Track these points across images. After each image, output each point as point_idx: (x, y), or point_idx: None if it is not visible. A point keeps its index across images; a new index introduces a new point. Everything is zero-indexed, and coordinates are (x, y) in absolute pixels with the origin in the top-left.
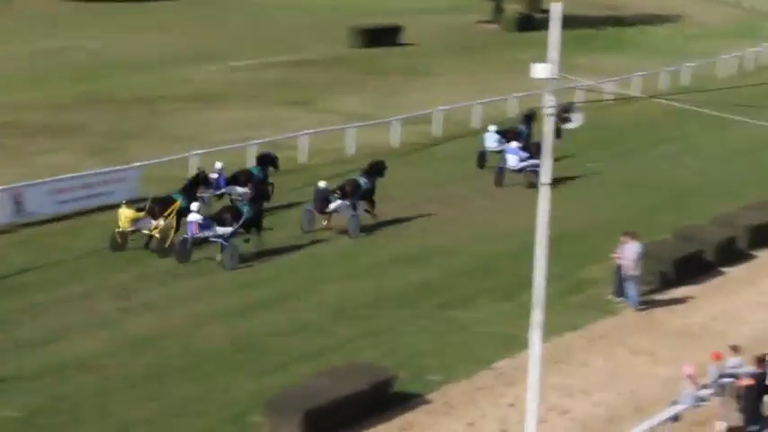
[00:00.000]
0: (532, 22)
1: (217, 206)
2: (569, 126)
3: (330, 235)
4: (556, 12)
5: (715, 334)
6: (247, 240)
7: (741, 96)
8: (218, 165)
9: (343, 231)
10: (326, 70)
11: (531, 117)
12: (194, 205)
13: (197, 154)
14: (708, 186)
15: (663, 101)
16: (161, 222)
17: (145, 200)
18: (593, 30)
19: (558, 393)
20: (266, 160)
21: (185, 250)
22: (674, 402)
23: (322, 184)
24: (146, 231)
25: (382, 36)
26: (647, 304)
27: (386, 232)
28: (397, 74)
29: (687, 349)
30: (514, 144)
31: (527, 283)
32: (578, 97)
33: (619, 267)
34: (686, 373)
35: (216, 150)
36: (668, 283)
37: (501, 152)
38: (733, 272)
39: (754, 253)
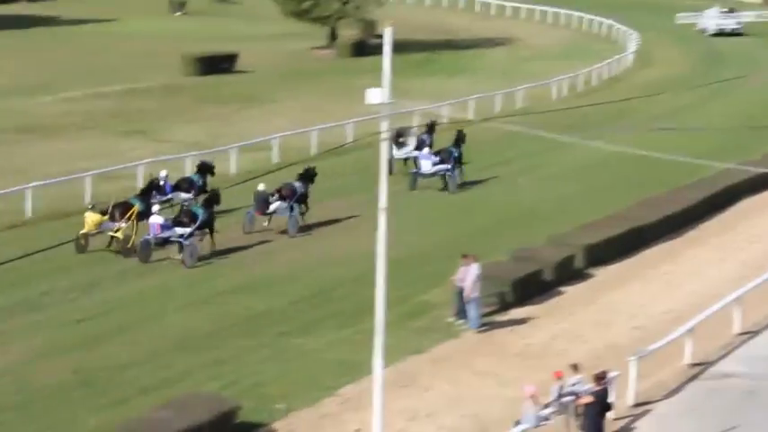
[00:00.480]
0: (367, 48)
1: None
2: (404, 150)
3: (171, 264)
4: (388, 36)
5: (555, 353)
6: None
7: (573, 117)
8: (163, 173)
9: (283, 231)
10: (163, 99)
11: (432, 127)
12: (155, 208)
13: (31, 187)
14: (544, 206)
15: (498, 124)
16: (122, 225)
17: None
18: (429, 54)
19: (403, 418)
20: (205, 168)
21: (147, 250)
22: (518, 422)
23: (261, 187)
24: (109, 233)
25: (218, 64)
26: (488, 326)
27: (227, 260)
28: (233, 101)
29: (529, 369)
30: (426, 150)
31: (369, 308)
32: (415, 121)
33: (460, 290)
34: (528, 392)
35: (52, 182)
36: (508, 303)
37: (414, 159)
38: (571, 291)
39: (592, 271)
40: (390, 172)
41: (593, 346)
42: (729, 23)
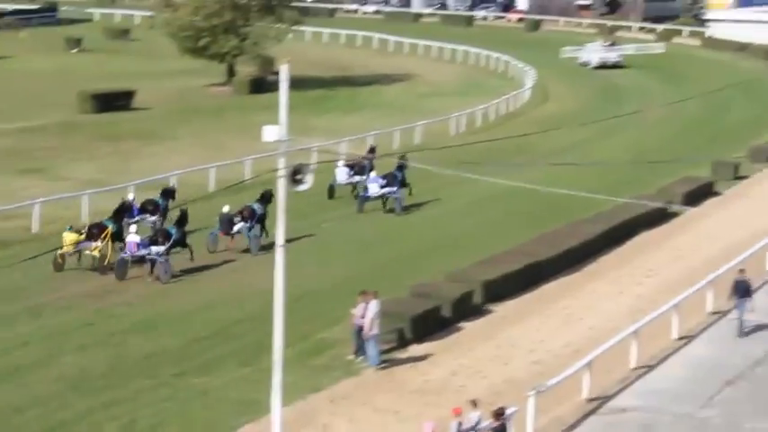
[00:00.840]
0: (265, 84)
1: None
2: (301, 188)
3: (69, 304)
4: (284, 74)
5: (455, 389)
6: None
7: (471, 152)
8: (131, 196)
9: (246, 251)
10: (59, 137)
11: (373, 150)
12: (133, 227)
13: None
14: (443, 242)
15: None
16: (99, 244)
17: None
18: (327, 91)
19: None
20: (168, 193)
21: (124, 268)
22: None
23: (226, 208)
24: (87, 252)
25: (114, 101)
26: (387, 363)
27: (123, 300)
28: (131, 139)
29: (428, 406)
30: (373, 174)
31: (269, 346)
32: (313, 158)
33: (359, 327)
34: (427, 429)
35: None
36: (407, 340)
37: (356, 183)
38: (470, 327)
39: (490, 307)
40: (331, 196)
41: (492, 381)
42: (611, 56)
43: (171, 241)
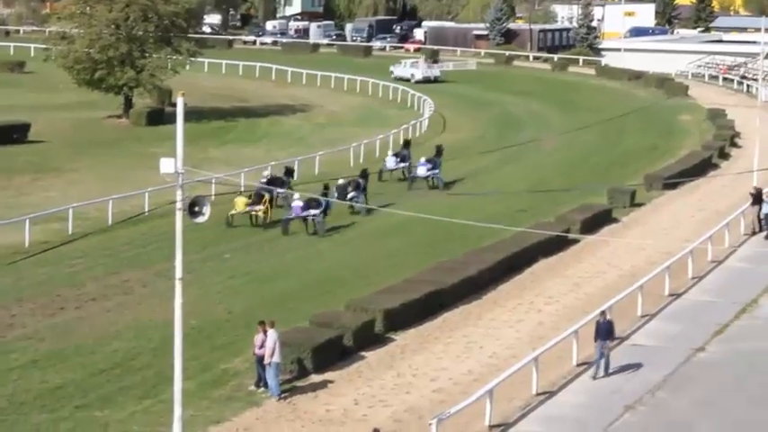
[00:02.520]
0: (163, 116)
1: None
2: (199, 220)
3: None
4: (180, 106)
5: (357, 418)
6: None
7: (370, 181)
8: (266, 172)
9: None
10: None
11: (408, 144)
12: (296, 195)
13: None
14: (343, 272)
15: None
16: (261, 207)
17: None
18: (226, 122)
19: None
20: (289, 171)
21: (287, 225)
22: None
23: (341, 181)
24: (254, 212)
25: (9, 134)
26: (289, 393)
27: (20, 334)
28: (27, 171)
29: None
30: (423, 159)
31: (171, 378)
32: (213, 190)
33: (259, 357)
34: None
35: None
36: (308, 370)
37: (403, 169)
38: (371, 356)
39: (392, 336)
40: (381, 179)
41: (394, 410)
42: (434, 72)
43: (323, 206)
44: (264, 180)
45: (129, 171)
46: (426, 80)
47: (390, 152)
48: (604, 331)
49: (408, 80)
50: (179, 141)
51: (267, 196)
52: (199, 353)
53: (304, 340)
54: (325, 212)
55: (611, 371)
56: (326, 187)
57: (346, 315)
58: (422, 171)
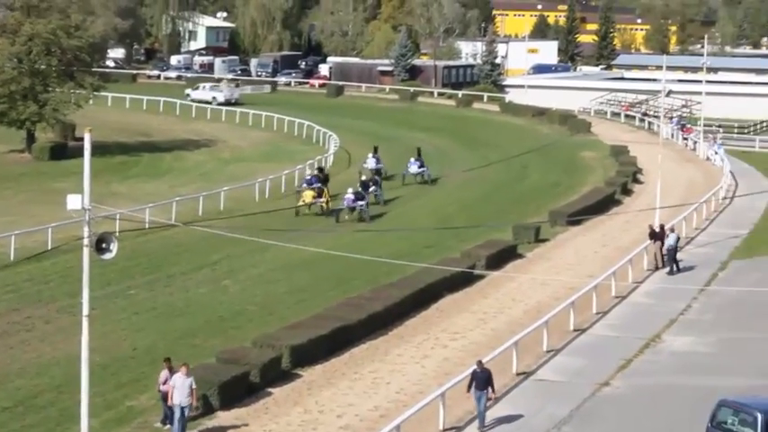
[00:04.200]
0: (67, 151)
1: None
2: (106, 256)
3: None
4: (87, 142)
5: None
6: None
7: (275, 218)
8: (309, 171)
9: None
10: None
11: (376, 150)
12: (350, 189)
13: None
14: (250, 307)
15: (198, 228)
16: (323, 199)
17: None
18: (129, 157)
19: None
20: (321, 170)
21: (340, 214)
22: None
23: (364, 177)
24: (320, 203)
25: None
26: (195, 431)
27: None
28: None
29: None
30: (412, 159)
31: (75, 416)
32: (120, 227)
33: (164, 394)
34: None
35: None
36: (214, 407)
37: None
38: (278, 392)
39: (299, 371)
40: (404, 183)
41: None
42: (234, 95)
43: (366, 199)
44: (319, 174)
45: (32, 206)
46: (228, 102)
47: (412, 159)
48: (482, 381)
49: (209, 102)
50: (86, 177)
51: (326, 190)
52: (103, 390)
53: (211, 377)
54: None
55: (486, 425)
56: (363, 184)
57: (253, 351)
58: (413, 169)
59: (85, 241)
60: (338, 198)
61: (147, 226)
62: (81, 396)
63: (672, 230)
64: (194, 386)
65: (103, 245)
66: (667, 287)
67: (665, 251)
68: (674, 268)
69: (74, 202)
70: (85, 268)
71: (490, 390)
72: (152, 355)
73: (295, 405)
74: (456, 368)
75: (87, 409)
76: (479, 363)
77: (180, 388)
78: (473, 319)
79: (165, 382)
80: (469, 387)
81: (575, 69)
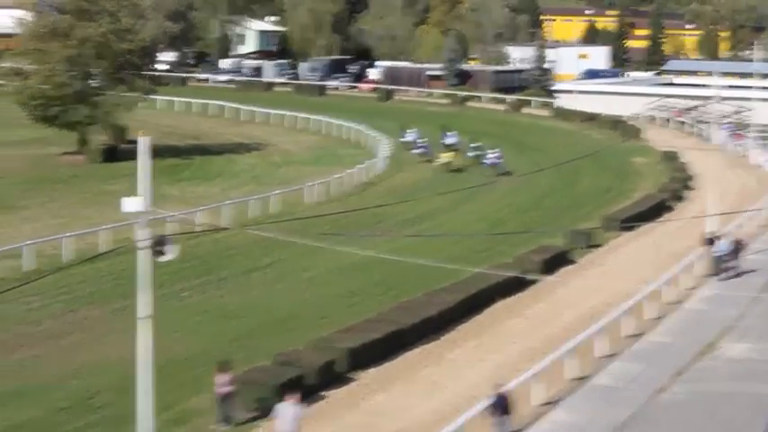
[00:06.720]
0: (118, 154)
1: None
2: (164, 259)
3: None
4: (144, 145)
5: None
6: None
7: (328, 222)
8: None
9: None
10: None
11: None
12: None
13: None
14: (305, 311)
15: (252, 231)
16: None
17: None
18: (180, 160)
19: None
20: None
21: None
22: None
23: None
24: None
25: None
26: None
27: None
28: None
29: None
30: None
31: (132, 417)
32: (171, 229)
33: (222, 396)
34: None
35: None
36: (269, 409)
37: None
38: (333, 395)
39: (354, 375)
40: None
41: None
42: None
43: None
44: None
45: (85, 208)
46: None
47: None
48: (501, 407)
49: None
50: (145, 180)
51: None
52: (159, 391)
53: (267, 379)
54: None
55: None
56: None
57: (308, 354)
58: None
59: (143, 243)
60: None
61: (201, 229)
62: (138, 401)
63: (718, 237)
64: (301, 416)
65: (161, 247)
66: (722, 293)
67: (714, 257)
68: (725, 273)
69: (131, 204)
70: (146, 272)
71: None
72: (206, 357)
73: (350, 408)
74: (511, 373)
75: (151, 410)
76: (498, 386)
77: (284, 419)
78: (526, 324)
79: (222, 385)
80: (492, 412)
81: (623, 75)
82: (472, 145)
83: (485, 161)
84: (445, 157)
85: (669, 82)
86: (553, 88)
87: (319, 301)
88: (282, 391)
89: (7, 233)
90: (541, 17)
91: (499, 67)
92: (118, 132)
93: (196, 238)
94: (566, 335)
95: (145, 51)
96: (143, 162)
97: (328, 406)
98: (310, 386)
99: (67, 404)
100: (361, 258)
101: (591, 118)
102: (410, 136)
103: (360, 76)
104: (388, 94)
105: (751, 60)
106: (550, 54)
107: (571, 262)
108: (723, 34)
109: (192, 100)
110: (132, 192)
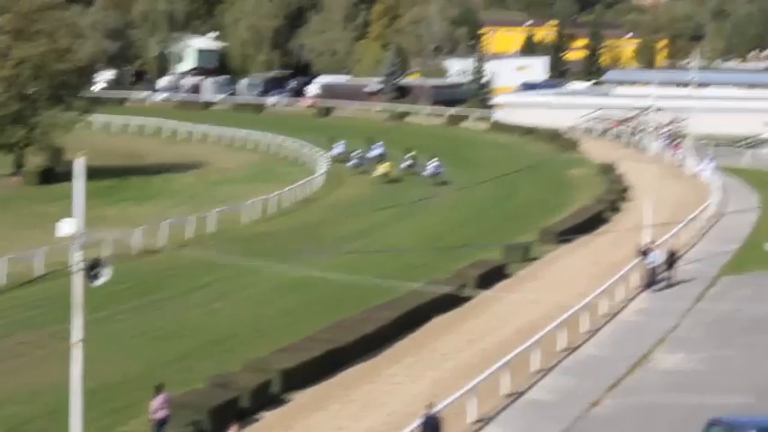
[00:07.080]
0: (56, 175)
1: None
2: (98, 282)
3: None
4: (79, 167)
5: None
6: None
7: (265, 240)
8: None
9: None
10: None
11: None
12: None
13: None
14: (241, 331)
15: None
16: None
17: None
18: (118, 180)
19: None
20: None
21: None
22: None
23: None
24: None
25: None
26: None
27: None
28: None
29: None
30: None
31: None
32: (106, 250)
33: (156, 421)
34: None
35: None
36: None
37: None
38: (269, 416)
39: (289, 396)
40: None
41: None
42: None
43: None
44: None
45: (22, 231)
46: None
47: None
48: (431, 427)
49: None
50: (79, 202)
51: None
52: (95, 416)
53: (201, 402)
54: None
55: None
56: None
57: (243, 375)
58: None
59: (77, 266)
60: None
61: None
62: (71, 422)
63: (652, 249)
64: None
65: (95, 270)
66: (657, 305)
67: (648, 268)
68: (659, 284)
69: (65, 227)
70: (78, 294)
71: None
72: (143, 381)
73: (285, 429)
74: (446, 390)
75: None
76: (429, 406)
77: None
78: (462, 339)
79: (156, 410)
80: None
81: (562, 86)
82: (405, 156)
83: (425, 171)
84: (382, 168)
85: (606, 92)
86: (491, 102)
87: (258, 321)
88: (216, 413)
89: None
90: (483, 29)
91: (439, 82)
92: (55, 153)
93: (132, 260)
94: (501, 350)
95: (83, 71)
96: (77, 184)
97: (263, 428)
98: (245, 408)
99: (2, 430)
100: (298, 277)
101: (529, 131)
102: (338, 148)
103: (298, 92)
104: (327, 111)
105: (688, 69)
106: (490, 66)
107: (508, 276)
108: (661, 44)
109: (130, 119)
110: (70, 213)
